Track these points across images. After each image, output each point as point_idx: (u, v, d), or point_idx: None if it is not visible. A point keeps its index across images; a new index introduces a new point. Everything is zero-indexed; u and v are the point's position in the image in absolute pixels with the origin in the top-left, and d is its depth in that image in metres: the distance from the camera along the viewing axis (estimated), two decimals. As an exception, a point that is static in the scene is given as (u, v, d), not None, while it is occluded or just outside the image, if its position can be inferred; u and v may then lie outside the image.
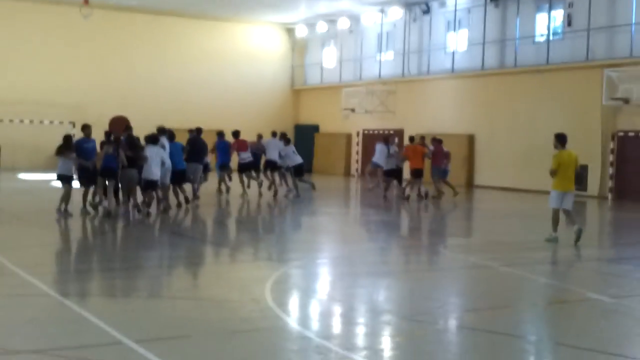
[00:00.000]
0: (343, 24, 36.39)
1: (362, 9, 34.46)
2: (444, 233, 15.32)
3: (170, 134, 17.58)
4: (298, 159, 21.69)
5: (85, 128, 16.02)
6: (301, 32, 39.35)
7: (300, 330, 7.02)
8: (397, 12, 33.26)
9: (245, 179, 22.02)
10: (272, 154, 21.96)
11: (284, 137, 22.25)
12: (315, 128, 38.86)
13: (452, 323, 7.74)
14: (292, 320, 7.46)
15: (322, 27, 37.82)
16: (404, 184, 22.97)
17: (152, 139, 16.11)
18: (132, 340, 6.39)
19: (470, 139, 29.89)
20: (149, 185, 15.87)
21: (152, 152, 15.79)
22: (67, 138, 15.91)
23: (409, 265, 11.38)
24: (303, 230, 15.72)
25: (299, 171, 21.72)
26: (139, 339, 6.42)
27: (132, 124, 33.39)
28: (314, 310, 8.13)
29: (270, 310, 7.75)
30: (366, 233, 15.41)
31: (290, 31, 40.35)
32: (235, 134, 22.53)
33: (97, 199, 16.25)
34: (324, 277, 10.22)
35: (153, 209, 16.10)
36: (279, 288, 8.93)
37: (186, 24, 37.59)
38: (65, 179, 15.41)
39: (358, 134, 35.39)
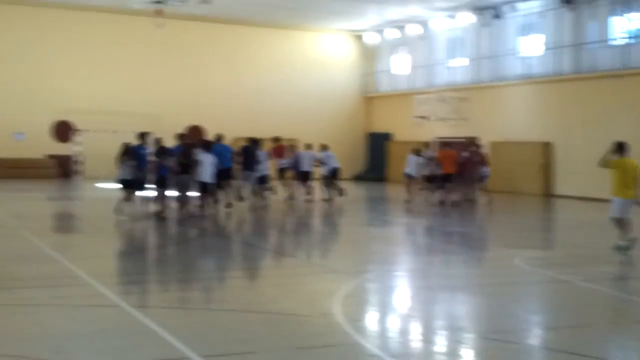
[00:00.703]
0: (413, 30, 36.00)
1: (431, 14, 34.04)
2: (519, 244, 14.80)
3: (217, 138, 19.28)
4: (335, 164, 23.24)
5: (142, 136, 17.40)
6: (371, 39, 39.15)
7: (371, 348, 6.77)
8: (467, 17, 32.70)
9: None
10: (305, 166, 22.95)
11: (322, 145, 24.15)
12: (387, 136, 38.51)
13: (532, 342, 7.34)
14: (363, 337, 7.19)
15: (391, 33, 37.54)
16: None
17: (205, 146, 17.65)
18: (198, 354, 6.26)
19: (546, 147, 29.03)
20: (203, 187, 17.28)
21: (205, 158, 17.21)
22: (126, 146, 17.13)
23: (484, 278, 10.97)
24: (374, 240, 15.43)
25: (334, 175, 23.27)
26: (205, 354, 6.29)
27: (208, 132, 34.10)
28: (386, 326, 7.85)
29: (340, 325, 7.52)
30: (440, 244, 15.04)
31: (359, 38, 40.17)
32: (276, 139, 23.81)
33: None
34: (397, 291, 9.93)
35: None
36: (349, 302, 8.70)
37: (257, 32, 37.85)
38: (126, 183, 16.76)
39: (431, 142, 34.82)
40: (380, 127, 39.39)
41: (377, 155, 38.64)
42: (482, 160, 23.23)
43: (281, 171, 23.39)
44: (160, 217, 16.62)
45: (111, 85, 34.67)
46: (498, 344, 7.06)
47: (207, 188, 17.41)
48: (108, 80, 34.66)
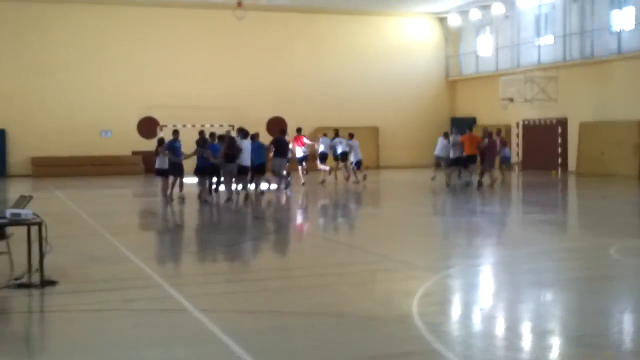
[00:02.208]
0: (498, 9, 34.80)
1: (517, -9, 32.82)
2: (614, 232, 13.83)
3: (252, 135, 21.08)
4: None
5: (175, 133, 20.37)
6: (454, 20, 38.11)
7: (452, 358, 6.23)
8: (555, -7, 31.34)
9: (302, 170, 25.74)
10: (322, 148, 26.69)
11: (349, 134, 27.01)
12: (472, 120, 37.41)
13: (630, 348, 6.65)
14: (443, 343, 6.63)
15: (475, 14, 36.41)
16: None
17: (244, 134, 20.28)
18: (263, 367, 5.90)
19: (641, 126, 27.53)
20: (242, 170, 19.70)
21: (245, 144, 19.92)
22: (160, 140, 20.92)
23: (575, 272, 10.20)
24: (453, 231, 14.75)
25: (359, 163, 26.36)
26: (271, 366, 5.92)
27: (289, 123, 34.06)
28: (468, 330, 7.25)
29: (418, 329, 7.01)
30: (526, 234, 14.21)
31: (442, 21, 39.20)
32: (298, 130, 25.92)
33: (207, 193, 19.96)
34: (481, 289, 9.28)
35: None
36: (428, 302, 8.15)
37: (338, 20, 37.41)
38: (163, 172, 19.93)
39: (518, 125, 33.66)
40: (464, 111, 38.36)
41: (462, 140, 37.60)
42: (502, 143, 25.39)
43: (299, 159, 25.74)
44: (226, 200, 19.31)
45: (194, 80, 34.94)
46: (591, 350, 6.40)
47: (245, 171, 19.83)
48: (191, 75, 34.94)
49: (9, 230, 9.71)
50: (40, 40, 32.81)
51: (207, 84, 35.11)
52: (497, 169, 25.44)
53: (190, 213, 18.24)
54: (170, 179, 19.99)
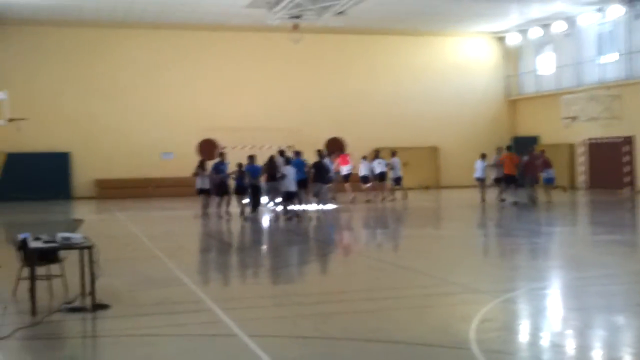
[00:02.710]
0: (558, 27, 34.07)
1: (578, 9, 32.08)
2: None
3: (296, 152, 23.77)
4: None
5: (221, 155, 22.69)
6: (513, 39, 37.48)
7: (508, 388, 5.89)
8: (617, 10, 30.50)
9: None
10: (363, 171, 27.81)
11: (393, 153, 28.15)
12: (534, 139, 36.62)
13: None
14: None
15: (535, 32, 35.76)
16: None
17: (288, 161, 21.83)
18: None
19: None
20: (289, 196, 21.10)
21: (290, 171, 21.09)
22: (202, 161, 22.73)
23: (645, 297, 9.69)
24: (516, 252, 14.25)
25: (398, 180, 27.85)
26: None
27: (348, 143, 33.83)
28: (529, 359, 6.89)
29: (475, 358, 6.67)
30: (594, 256, 13.63)
31: (501, 40, 38.57)
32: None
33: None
34: (544, 314, 8.81)
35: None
36: (487, 328, 7.78)
37: (394, 41, 37.18)
38: (204, 192, 21.74)
39: (582, 144, 32.74)
40: (525, 130, 37.58)
41: (525, 160, 36.80)
42: (545, 163, 24.93)
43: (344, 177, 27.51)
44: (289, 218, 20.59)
45: (252, 102, 35.12)
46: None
47: (291, 196, 21.19)
48: (249, 97, 35.14)
49: (62, 254, 9.76)
50: (102, 65, 33.46)
51: (265, 106, 35.25)
52: (540, 188, 25.36)
53: (243, 233, 18.23)
54: (216, 198, 21.67)
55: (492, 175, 25.57)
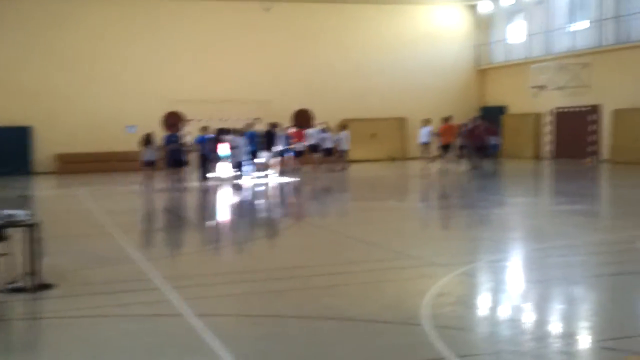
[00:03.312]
0: (530, -6, 33.89)
1: (550, -25, 31.88)
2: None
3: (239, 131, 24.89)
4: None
5: (173, 127, 24.41)
6: (485, 7, 37.21)
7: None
8: (589, -24, 30.36)
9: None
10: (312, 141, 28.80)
11: None
12: (502, 109, 36.57)
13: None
14: (452, 351, 6.09)
15: (507, 0, 35.46)
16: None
17: (242, 133, 23.83)
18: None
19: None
20: (238, 164, 23.23)
21: (240, 141, 23.15)
22: (148, 135, 23.11)
23: (602, 267, 9.56)
24: (478, 224, 14.09)
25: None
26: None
27: (316, 115, 33.53)
28: (482, 335, 6.67)
29: (426, 336, 6.45)
30: (554, 226, 13.51)
31: (472, 8, 38.28)
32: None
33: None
34: (500, 288, 8.65)
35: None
36: (441, 303, 7.57)
37: (365, 9, 36.72)
38: (149, 164, 22.40)
39: (549, 113, 32.71)
40: (494, 100, 37.47)
41: (493, 130, 36.82)
42: (488, 131, 26.02)
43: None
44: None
45: (219, 73, 34.53)
46: (618, 354, 5.81)
47: (240, 165, 23.07)
48: (216, 68, 34.55)
49: (9, 231, 9.38)
50: (64, 36, 32.67)
51: (232, 77, 34.70)
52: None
53: (205, 208, 17.95)
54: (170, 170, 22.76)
55: (438, 142, 27.08)
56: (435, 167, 26.88)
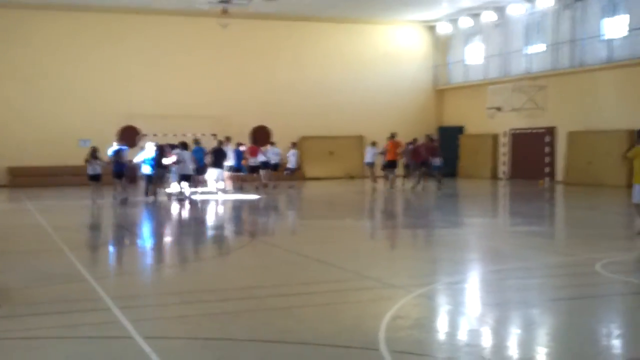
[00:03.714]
0: (488, 17, 34.28)
1: (508, -1, 32.33)
2: (600, 246, 13.17)
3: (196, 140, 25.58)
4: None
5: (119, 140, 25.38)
6: (443, 29, 37.58)
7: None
8: (546, 1, 30.83)
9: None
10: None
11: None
12: (459, 129, 36.88)
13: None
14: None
15: (465, 22, 35.90)
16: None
17: (183, 146, 23.17)
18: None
19: (631, 135, 26.83)
20: (184, 178, 22.76)
21: (185, 155, 22.76)
22: (93, 149, 23.08)
23: (562, 290, 9.54)
24: (436, 245, 14.05)
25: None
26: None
27: (274, 132, 33.48)
28: None
29: (382, 360, 6.31)
30: (511, 248, 13.52)
31: (431, 29, 38.64)
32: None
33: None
34: (458, 310, 8.53)
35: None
36: (397, 326, 7.43)
37: (324, 28, 36.84)
38: (94, 178, 22.47)
39: (505, 134, 33.09)
40: (452, 120, 37.82)
41: (449, 150, 37.04)
42: (430, 150, 26.77)
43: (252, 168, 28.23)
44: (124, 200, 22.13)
45: (177, 88, 34.25)
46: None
47: (187, 179, 22.83)
48: (173, 83, 34.26)
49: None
50: (18, 48, 32.06)
51: (190, 93, 34.41)
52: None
53: (157, 224, 17.62)
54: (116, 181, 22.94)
55: (382, 161, 27.98)
56: (379, 186, 27.70)
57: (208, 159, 25.03)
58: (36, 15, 32.36)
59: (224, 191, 25.56)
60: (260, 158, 28.10)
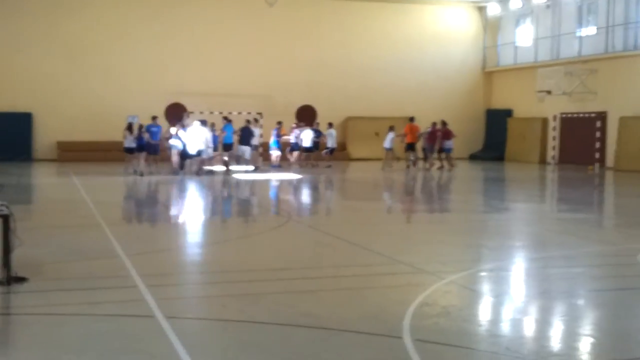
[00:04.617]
0: (539, -2, 33.45)
1: (560, -21, 31.42)
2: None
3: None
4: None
5: (154, 118, 25.95)
6: (493, 10, 36.82)
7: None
8: (600, -18, 29.92)
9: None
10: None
11: None
12: (508, 112, 36.17)
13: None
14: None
15: (516, 3, 35.03)
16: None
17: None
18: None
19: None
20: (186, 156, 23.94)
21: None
22: (129, 124, 25.14)
23: (602, 281, 9.19)
24: (476, 230, 13.71)
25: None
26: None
27: (319, 112, 33.33)
28: (464, 352, 6.33)
29: (405, 351, 6.11)
30: (554, 235, 13.14)
31: (481, 10, 37.88)
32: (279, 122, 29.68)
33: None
34: (489, 298, 8.26)
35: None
36: (423, 314, 7.23)
37: (372, 8, 36.34)
38: (130, 150, 24.48)
39: (555, 118, 32.33)
40: (500, 103, 37.09)
41: (496, 133, 36.41)
42: (446, 134, 28.17)
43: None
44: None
45: (223, 66, 34.24)
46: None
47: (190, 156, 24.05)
48: (220, 61, 34.26)
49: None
50: (67, 24, 32.40)
51: (236, 71, 34.39)
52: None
53: (196, 200, 17.66)
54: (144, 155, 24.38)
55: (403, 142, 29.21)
56: (395, 169, 28.56)
57: (235, 137, 26.09)
58: (86, -9, 32.65)
59: (258, 170, 26.35)
60: (293, 139, 29.06)
